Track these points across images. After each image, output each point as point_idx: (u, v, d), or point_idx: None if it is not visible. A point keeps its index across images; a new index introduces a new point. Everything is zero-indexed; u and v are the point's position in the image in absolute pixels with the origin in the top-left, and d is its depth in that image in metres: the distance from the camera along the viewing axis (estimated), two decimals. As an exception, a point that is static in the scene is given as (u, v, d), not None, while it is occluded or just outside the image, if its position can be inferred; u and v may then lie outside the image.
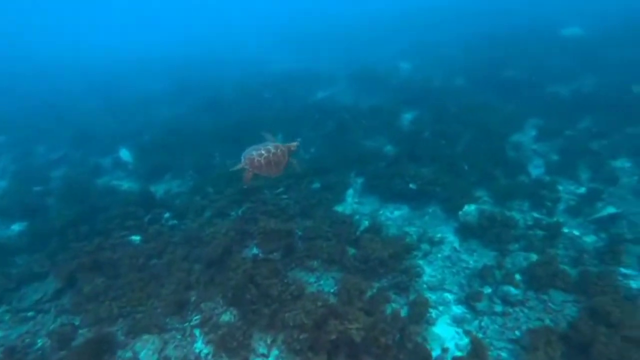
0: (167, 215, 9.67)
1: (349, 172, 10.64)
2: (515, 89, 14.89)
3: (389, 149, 12.02)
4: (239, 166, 6.48)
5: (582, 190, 8.98)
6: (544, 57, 17.75)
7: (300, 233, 8.08)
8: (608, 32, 19.71)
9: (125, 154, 13.53)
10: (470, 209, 8.05)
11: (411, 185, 9.02)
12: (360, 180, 10.30)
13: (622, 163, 9.85)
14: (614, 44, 17.78)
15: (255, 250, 7.69)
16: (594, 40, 19.07)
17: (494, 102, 14.28)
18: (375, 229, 8.19)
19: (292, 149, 6.79)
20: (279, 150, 6.52)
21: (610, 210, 7.93)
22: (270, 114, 15.96)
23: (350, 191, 9.97)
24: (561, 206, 8.48)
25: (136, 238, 8.72)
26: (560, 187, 9.04)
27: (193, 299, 6.99)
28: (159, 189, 11.62)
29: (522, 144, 11.17)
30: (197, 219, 9.15)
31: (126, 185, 12.37)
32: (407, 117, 14.24)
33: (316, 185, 10.11)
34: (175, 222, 9.37)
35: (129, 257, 7.88)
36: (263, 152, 6.38)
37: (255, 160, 6.31)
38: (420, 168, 9.86)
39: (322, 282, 7.14)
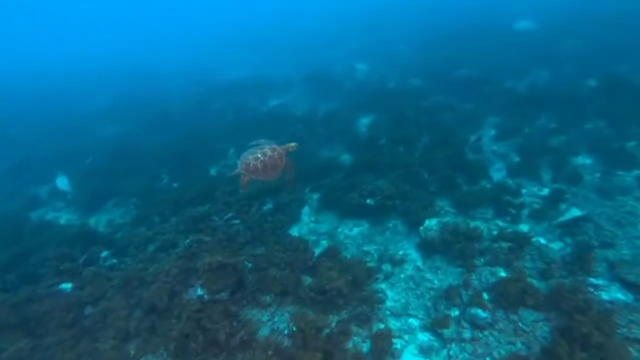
0: (105, 253, 8.70)
1: (304, 187, 9.98)
2: (472, 87, 14.64)
3: (345, 158, 11.45)
4: (235, 171, 6.31)
5: (545, 191, 8.67)
6: (498, 52, 17.74)
7: (250, 265, 7.33)
8: (558, 25, 19.97)
9: (62, 182, 12.33)
10: (431, 223, 7.54)
11: (368, 201, 8.44)
12: (316, 197, 9.64)
13: (583, 159, 9.65)
14: (564, 36, 17.98)
15: (200, 291, 6.90)
16: (545, 33, 19.26)
17: (451, 102, 13.98)
18: (333, 252, 7.53)
19: (290, 149, 6.57)
20: (275, 153, 6.33)
21: (575, 212, 7.61)
22: (220, 127, 15.13)
23: (305, 209, 9.30)
24: (525, 211, 8.10)
25: (67, 286, 7.71)
26: (523, 190, 8.69)
27: (132, 352, 6.17)
28: (101, 220, 10.64)
29: (482, 145, 10.81)
30: (139, 255, 8.28)
31: (64, 217, 11.23)
32: (364, 122, 13.73)
33: (269, 206, 9.37)
34: (114, 260, 8.41)
35: (60, 310, 6.92)
36: (259, 155, 6.22)
37: (252, 165, 6.15)
38: (378, 179, 9.29)
39: (276, 318, 6.46)
